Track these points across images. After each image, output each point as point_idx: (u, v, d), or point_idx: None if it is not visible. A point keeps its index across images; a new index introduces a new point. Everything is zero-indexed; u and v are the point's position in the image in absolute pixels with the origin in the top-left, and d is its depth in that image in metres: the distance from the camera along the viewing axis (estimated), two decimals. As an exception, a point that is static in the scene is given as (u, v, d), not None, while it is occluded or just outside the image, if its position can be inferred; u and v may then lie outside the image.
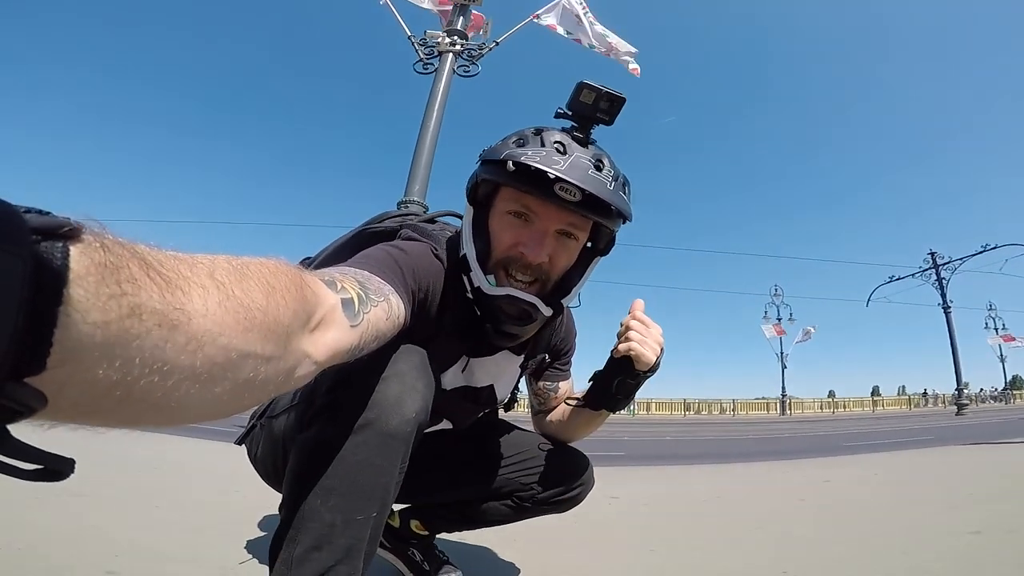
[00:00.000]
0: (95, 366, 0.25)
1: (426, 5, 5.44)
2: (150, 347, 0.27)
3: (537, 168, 0.77)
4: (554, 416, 1.18)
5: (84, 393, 0.26)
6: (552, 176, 0.76)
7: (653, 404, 33.14)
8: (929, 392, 38.48)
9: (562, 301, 0.89)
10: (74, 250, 0.24)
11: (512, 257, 0.85)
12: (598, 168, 0.81)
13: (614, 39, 5.62)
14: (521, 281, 0.86)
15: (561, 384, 1.18)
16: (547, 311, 0.87)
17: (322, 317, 0.47)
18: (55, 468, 0.28)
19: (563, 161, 0.78)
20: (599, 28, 5.62)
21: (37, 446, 0.26)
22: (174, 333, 0.28)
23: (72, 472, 0.29)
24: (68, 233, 0.24)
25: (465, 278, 0.88)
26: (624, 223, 0.89)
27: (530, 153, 0.79)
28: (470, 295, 0.89)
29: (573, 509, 1.21)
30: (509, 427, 1.23)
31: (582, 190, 0.77)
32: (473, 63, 5.29)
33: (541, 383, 1.18)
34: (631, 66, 5.67)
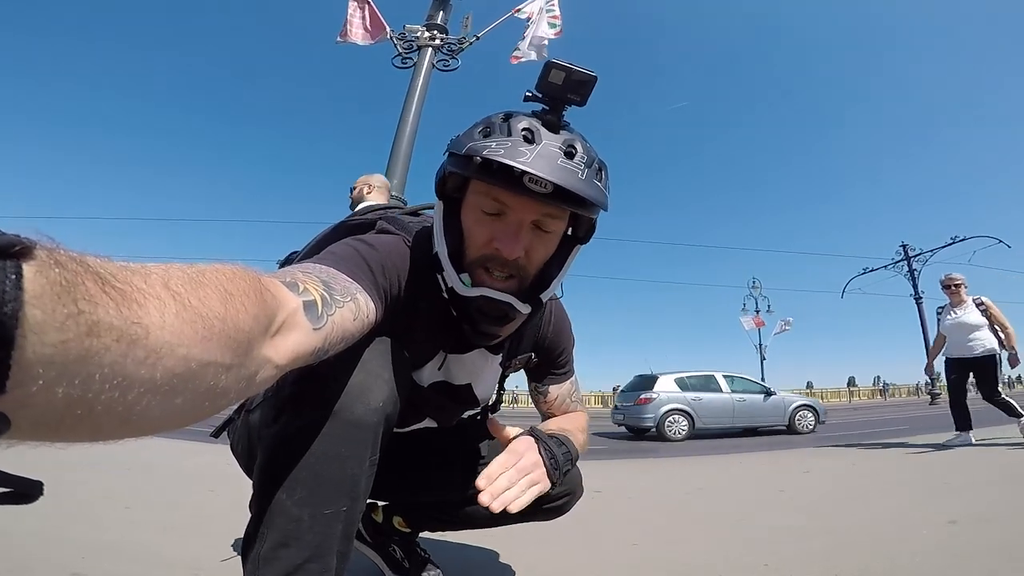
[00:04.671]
0: (55, 385, 0.24)
1: (360, 41, 5.36)
2: (109, 363, 0.27)
3: (501, 163, 0.72)
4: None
5: (44, 412, 0.25)
6: (518, 171, 0.72)
7: (636, 398, 33.44)
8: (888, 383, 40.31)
9: (541, 296, 0.85)
10: (28, 269, 0.23)
11: (488, 255, 0.80)
12: (569, 155, 0.75)
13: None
14: (497, 278, 0.81)
15: (551, 388, 1.13)
16: (525, 309, 0.82)
17: (283, 321, 0.46)
18: (23, 491, 0.28)
19: (530, 152, 0.73)
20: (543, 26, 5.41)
21: (3, 469, 0.26)
22: (133, 347, 0.28)
23: (41, 494, 0.29)
24: (20, 252, 0.23)
25: (439, 277, 0.84)
26: (601, 212, 0.84)
27: (494, 145, 0.74)
28: (445, 295, 0.85)
29: None
30: None
31: (552, 182, 0.73)
32: (453, 57, 5.24)
33: (533, 383, 1.15)
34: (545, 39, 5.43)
